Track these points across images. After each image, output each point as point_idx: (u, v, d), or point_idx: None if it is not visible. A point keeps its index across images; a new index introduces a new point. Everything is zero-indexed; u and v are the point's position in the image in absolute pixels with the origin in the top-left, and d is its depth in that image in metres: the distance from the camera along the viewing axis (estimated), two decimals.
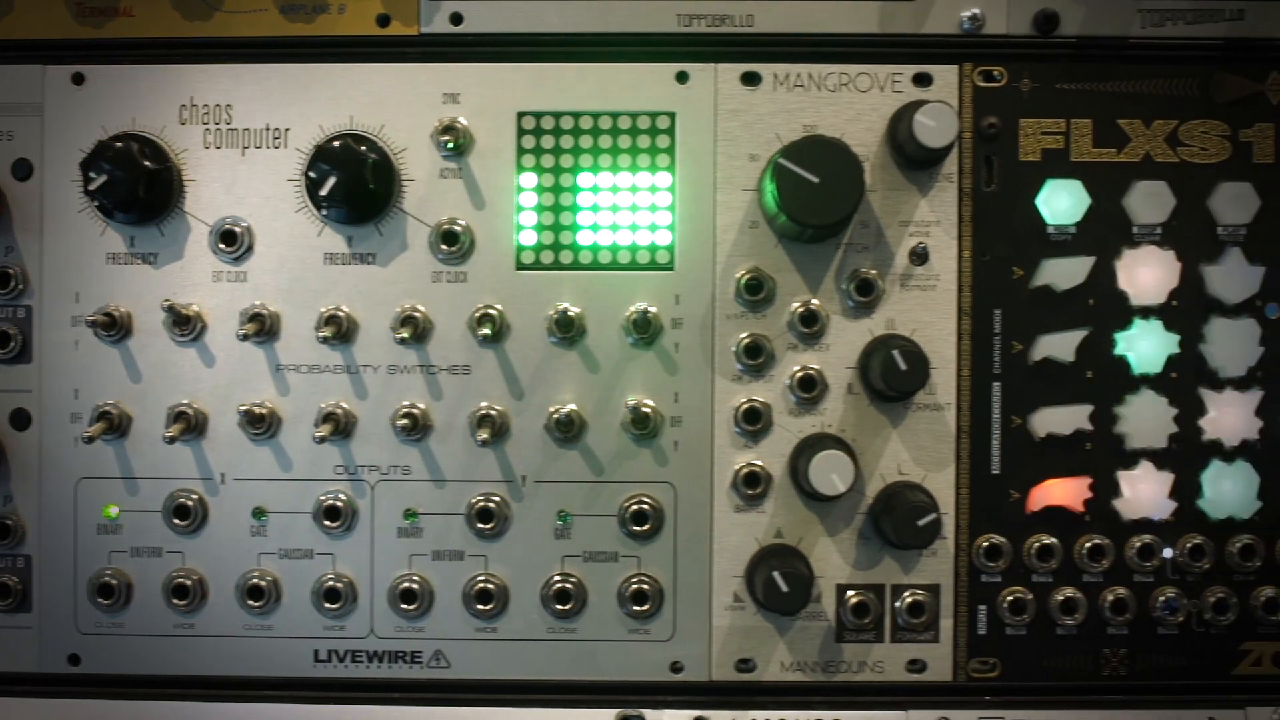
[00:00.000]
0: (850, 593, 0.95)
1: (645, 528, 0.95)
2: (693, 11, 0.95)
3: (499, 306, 0.95)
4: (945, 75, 0.95)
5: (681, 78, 0.95)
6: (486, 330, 0.93)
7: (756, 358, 0.94)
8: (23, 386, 0.96)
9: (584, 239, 0.95)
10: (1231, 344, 0.95)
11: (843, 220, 0.91)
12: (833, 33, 0.95)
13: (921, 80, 0.95)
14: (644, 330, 0.94)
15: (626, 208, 0.95)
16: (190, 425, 0.94)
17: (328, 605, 0.95)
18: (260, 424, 0.94)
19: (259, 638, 0.96)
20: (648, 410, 0.94)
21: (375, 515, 0.96)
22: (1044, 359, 0.95)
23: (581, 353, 0.95)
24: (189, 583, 0.95)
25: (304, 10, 0.95)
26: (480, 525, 0.95)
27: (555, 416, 0.94)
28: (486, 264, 0.95)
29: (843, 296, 0.95)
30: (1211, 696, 0.96)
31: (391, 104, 0.95)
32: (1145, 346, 0.95)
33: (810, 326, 0.94)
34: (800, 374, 0.94)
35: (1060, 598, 0.95)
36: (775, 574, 0.89)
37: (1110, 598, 0.95)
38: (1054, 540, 0.95)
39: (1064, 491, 0.95)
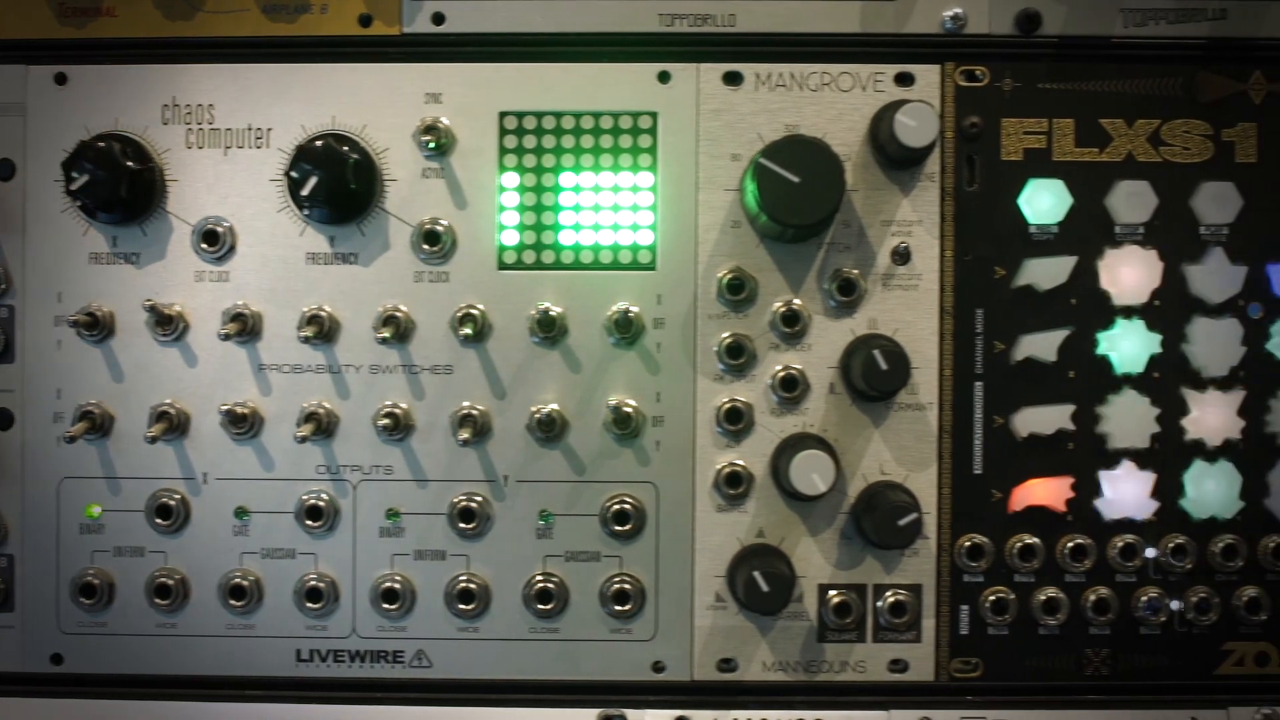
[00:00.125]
0: (832, 592, 0.95)
1: (627, 527, 0.95)
2: (675, 11, 0.95)
3: (481, 306, 0.95)
4: (927, 75, 0.95)
5: (664, 77, 0.95)
6: (468, 330, 0.93)
7: (738, 357, 0.94)
8: (5, 386, 0.96)
9: (566, 239, 0.95)
10: (1214, 344, 0.95)
11: (823, 220, 0.91)
12: (815, 32, 0.95)
13: (904, 80, 0.95)
14: (626, 330, 0.94)
15: (608, 207, 0.95)
16: (172, 425, 0.95)
17: (310, 605, 0.95)
18: (242, 424, 0.94)
19: (241, 637, 0.96)
20: (629, 410, 0.94)
21: (357, 515, 0.96)
22: (1026, 359, 0.95)
23: (563, 352, 0.95)
24: (171, 582, 0.95)
25: (286, 10, 0.95)
26: (462, 525, 0.95)
27: (537, 416, 0.94)
28: (468, 264, 0.95)
29: (825, 296, 0.95)
30: (1194, 697, 0.96)
31: (373, 104, 0.95)
32: (1127, 346, 0.95)
33: (792, 326, 0.94)
34: (782, 374, 0.94)
35: (1042, 598, 0.95)
36: (756, 574, 0.89)
37: (1092, 598, 0.95)
38: (1036, 540, 0.95)
39: (1046, 491, 0.95)
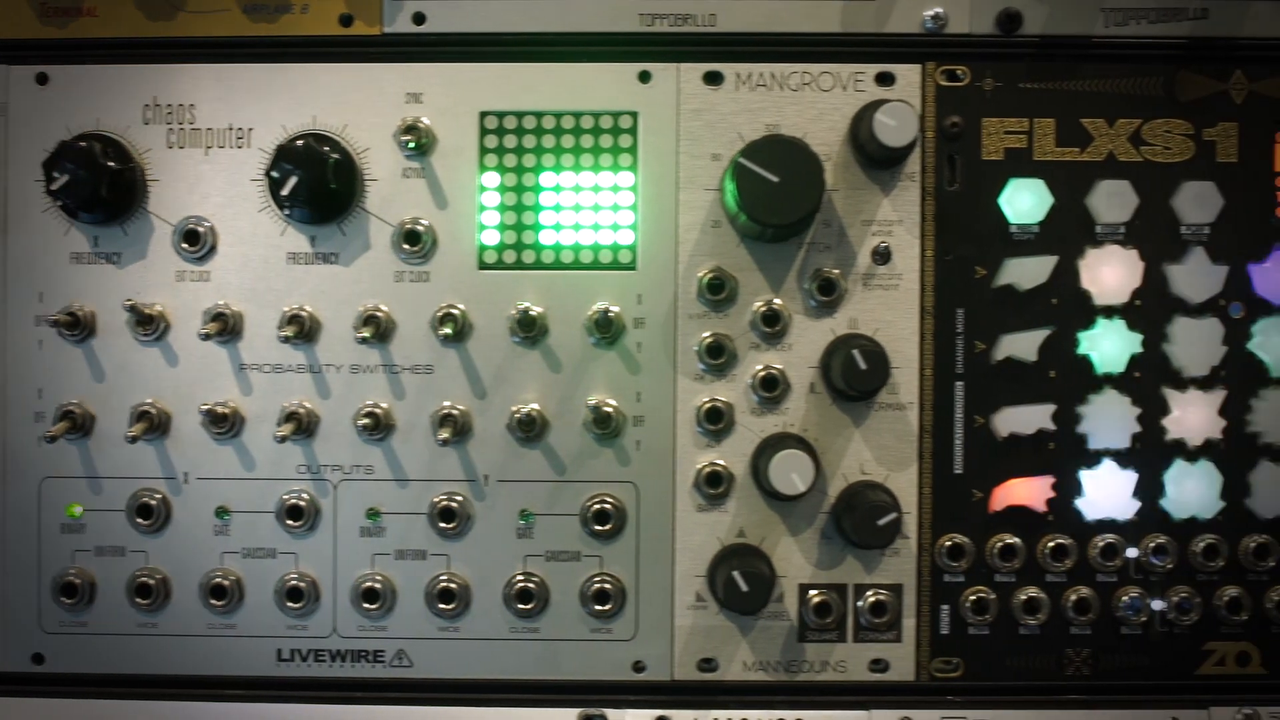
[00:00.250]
0: (813, 592, 0.95)
1: (607, 527, 0.95)
2: (655, 11, 0.95)
3: (461, 306, 0.95)
4: (908, 74, 0.95)
5: (644, 77, 0.95)
6: (448, 330, 0.93)
7: (718, 357, 0.94)
8: None
9: (546, 238, 0.95)
10: (1194, 343, 0.95)
11: (803, 220, 0.91)
12: (795, 32, 0.95)
13: (884, 79, 0.95)
14: (606, 330, 0.93)
15: (589, 207, 0.95)
16: (153, 425, 0.95)
17: (290, 604, 0.95)
18: (223, 423, 0.94)
19: (222, 637, 0.96)
20: (610, 410, 0.94)
21: (338, 514, 0.96)
22: (1007, 358, 0.95)
23: (544, 352, 0.95)
24: (152, 582, 0.95)
25: (267, 10, 0.95)
26: (442, 525, 0.95)
27: (517, 416, 0.94)
28: (449, 263, 0.95)
29: (805, 296, 0.95)
30: (1175, 696, 0.96)
31: (354, 104, 0.95)
32: (1108, 346, 0.95)
33: (772, 326, 0.94)
34: (762, 373, 0.94)
35: (1023, 597, 0.95)
36: (735, 573, 0.89)
37: (1073, 597, 0.95)
38: (1017, 540, 0.95)
39: (1027, 491, 0.95)
